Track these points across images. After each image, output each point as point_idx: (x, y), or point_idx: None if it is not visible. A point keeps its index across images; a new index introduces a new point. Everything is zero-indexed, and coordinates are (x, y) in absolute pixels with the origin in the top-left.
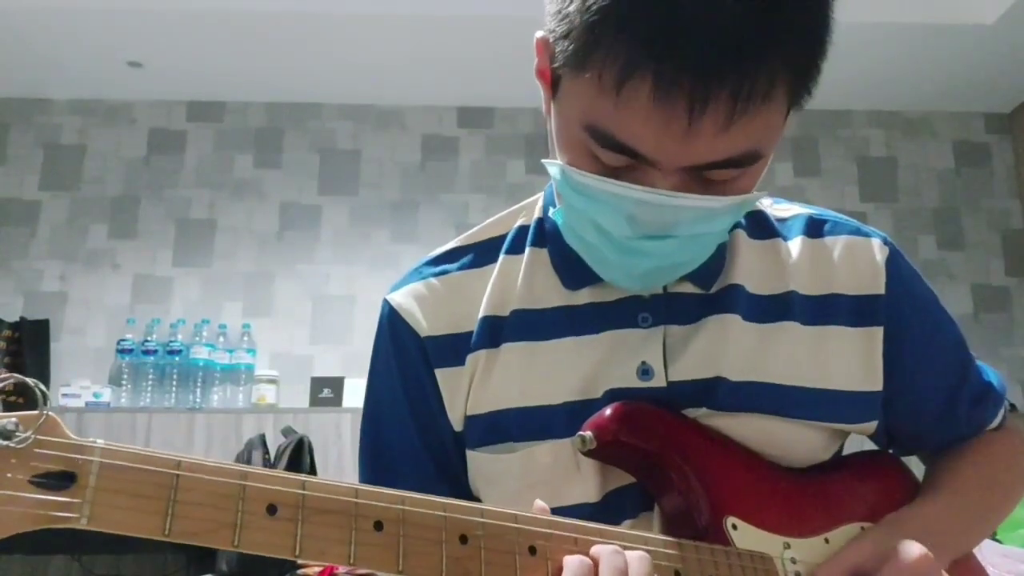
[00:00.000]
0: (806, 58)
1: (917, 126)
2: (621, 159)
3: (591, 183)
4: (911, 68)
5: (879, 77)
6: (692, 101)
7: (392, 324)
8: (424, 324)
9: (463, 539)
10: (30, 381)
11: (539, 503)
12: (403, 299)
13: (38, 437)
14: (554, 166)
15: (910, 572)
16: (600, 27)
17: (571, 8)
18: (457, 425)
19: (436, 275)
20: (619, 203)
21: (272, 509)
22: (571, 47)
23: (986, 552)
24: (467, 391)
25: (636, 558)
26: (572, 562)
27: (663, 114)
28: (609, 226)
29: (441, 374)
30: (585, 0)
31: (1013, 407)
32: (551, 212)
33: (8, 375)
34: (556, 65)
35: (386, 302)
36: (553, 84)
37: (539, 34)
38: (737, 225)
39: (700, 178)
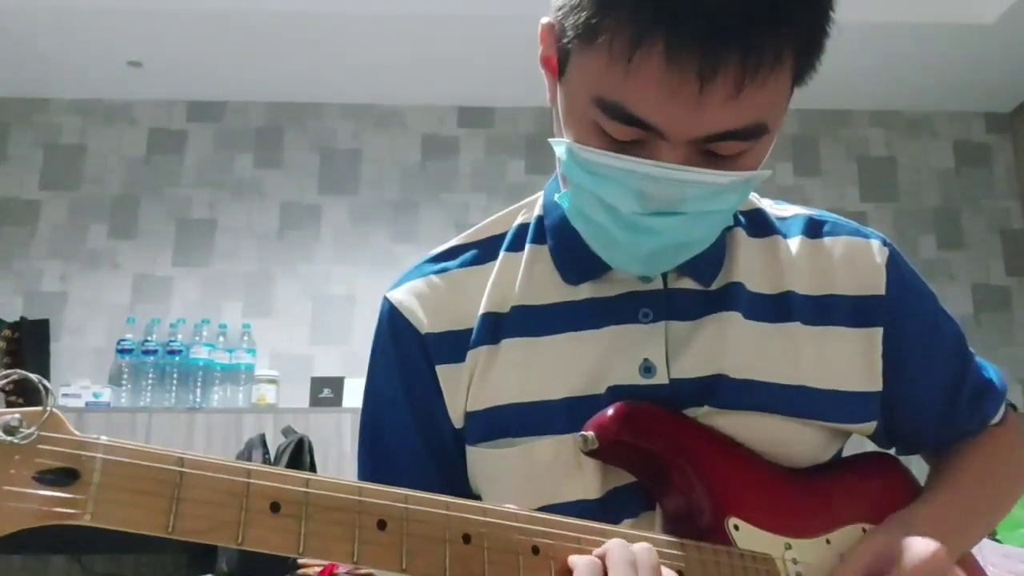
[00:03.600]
0: (813, 29)
1: (917, 126)
2: (630, 132)
3: (599, 159)
4: (911, 68)
5: (879, 77)
6: (703, 67)
7: (392, 322)
8: (425, 321)
9: (466, 538)
10: (34, 377)
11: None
12: (403, 296)
13: (42, 434)
14: (560, 145)
15: (924, 570)
16: None
17: None
18: (457, 422)
19: (436, 272)
20: (627, 178)
21: (276, 507)
22: (581, 18)
23: (986, 552)
24: (467, 387)
25: (642, 549)
26: (580, 562)
27: (674, 81)
28: (617, 202)
29: (442, 370)
30: None
31: (1014, 407)
32: (557, 197)
33: (12, 371)
34: (565, 41)
35: (386, 300)
36: (560, 65)
37: (544, 20)
38: (737, 223)
39: (706, 153)
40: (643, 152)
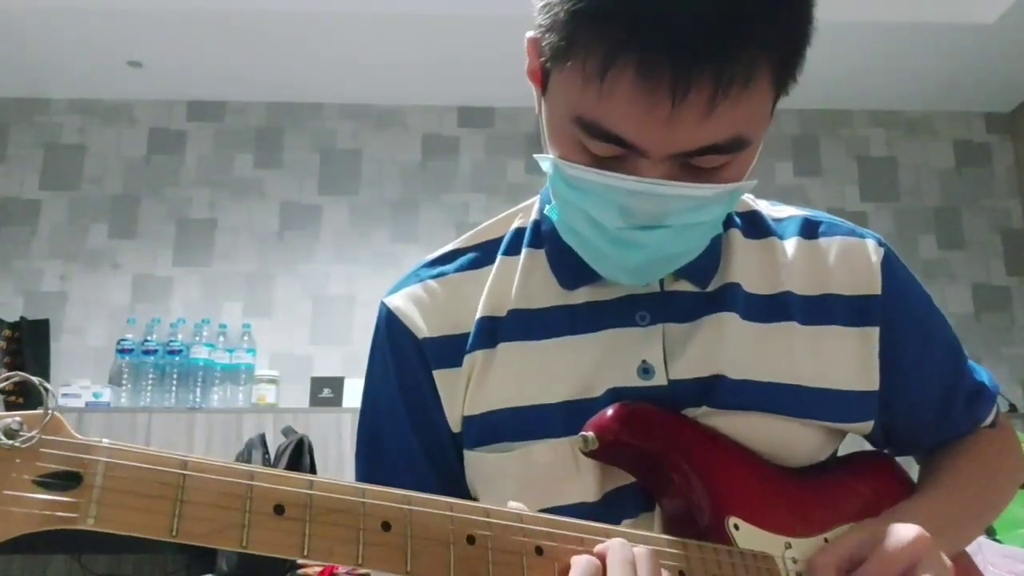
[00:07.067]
0: (788, 45)
1: (917, 126)
2: (610, 149)
3: (582, 175)
4: (912, 68)
5: (879, 77)
6: (674, 86)
7: (390, 327)
8: (422, 326)
9: (470, 539)
10: (35, 379)
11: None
12: (400, 302)
13: (43, 437)
14: (545, 160)
15: (905, 551)
16: (582, 15)
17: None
18: (455, 426)
19: (433, 277)
20: (610, 194)
21: (280, 509)
22: (556, 38)
23: (986, 552)
24: (465, 392)
25: (643, 552)
26: (579, 561)
27: (646, 100)
28: (602, 218)
29: (439, 375)
30: None
31: (1014, 407)
32: (547, 210)
33: (13, 372)
34: (544, 59)
35: (383, 305)
36: (543, 81)
37: (529, 34)
38: (732, 225)
39: (688, 166)
40: (626, 167)
